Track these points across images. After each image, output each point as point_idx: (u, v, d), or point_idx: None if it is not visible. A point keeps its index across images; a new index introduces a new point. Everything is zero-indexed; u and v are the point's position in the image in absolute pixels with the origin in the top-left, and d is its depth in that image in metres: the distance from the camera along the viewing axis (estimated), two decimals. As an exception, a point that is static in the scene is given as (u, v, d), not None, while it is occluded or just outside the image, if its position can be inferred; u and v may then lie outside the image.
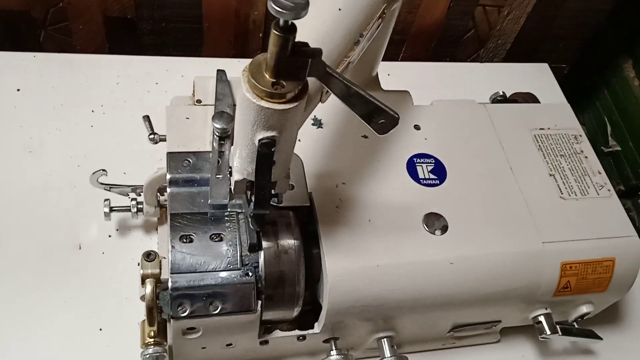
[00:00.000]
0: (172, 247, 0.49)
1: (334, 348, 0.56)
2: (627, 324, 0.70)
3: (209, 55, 0.91)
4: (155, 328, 0.50)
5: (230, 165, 0.45)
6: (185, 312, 0.48)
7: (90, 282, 0.62)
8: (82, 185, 0.66)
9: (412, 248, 0.53)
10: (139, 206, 0.62)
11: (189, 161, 0.54)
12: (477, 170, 0.60)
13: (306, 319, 0.54)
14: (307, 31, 0.39)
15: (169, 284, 0.48)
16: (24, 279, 0.61)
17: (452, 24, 0.97)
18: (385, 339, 0.56)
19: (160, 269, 0.49)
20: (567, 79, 1.08)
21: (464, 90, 0.85)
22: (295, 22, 0.35)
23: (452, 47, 1.02)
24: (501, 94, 0.73)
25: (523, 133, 0.65)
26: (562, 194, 0.60)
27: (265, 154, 0.40)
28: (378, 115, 0.41)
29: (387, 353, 0.56)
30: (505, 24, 0.99)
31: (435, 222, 0.55)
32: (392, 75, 0.80)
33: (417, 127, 0.62)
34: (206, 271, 0.48)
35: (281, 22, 0.35)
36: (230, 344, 0.53)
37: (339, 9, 0.45)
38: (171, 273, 0.48)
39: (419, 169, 0.59)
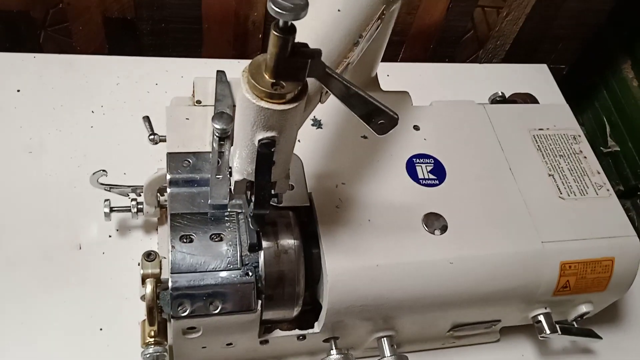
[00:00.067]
0: (172, 247, 0.49)
1: (333, 347, 0.56)
2: (627, 323, 0.71)
3: (209, 56, 0.91)
4: (155, 328, 0.50)
5: (230, 165, 0.45)
6: (185, 311, 0.48)
7: (90, 282, 0.62)
8: (82, 185, 0.66)
9: (411, 248, 0.53)
10: (139, 206, 0.62)
11: (189, 161, 0.54)
12: (476, 170, 0.60)
13: (306, 319, 0.55)
14: (307, 32, 0.40)
15: (169, 284, 0.48)
16: (24, 278, 0.61)
17: (451, 25, 0.98)
18: (385, 339, 0.56)
19: (161, 268, 0.49)
20: (566, 79, 1.08)
21: (463, 91, 0.85)
22: (295, 22, 0.35)
23: (451, 47, 1.02)
24: (500, 94, 0.73)
25: (522, 133, 0.65)
26: (561, 194, 0.60)
27: (265, 154, 0.40)
28: (377, 115, 0.41)
29: (387, 352, 0.56)
30: (504, 25, 0.99)
31: (434, 222, 0.55)
32: (392, 76, 0.80)
33: (416, 128, 0.62)
34: (206, 271, 0.49)
35: (281, 22, 0.35)
36: (231, 344, 0.53)
37: (338, 10, 0.45)
38: (171, 273, 0.48)
39: (418, 169, 0.59)
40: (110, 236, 0.66)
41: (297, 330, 0.54)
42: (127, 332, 0.58)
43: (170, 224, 0.50)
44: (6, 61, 0.78)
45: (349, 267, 0.51)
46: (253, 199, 0.44)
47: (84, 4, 0.83)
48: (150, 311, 0.48)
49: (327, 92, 0.43)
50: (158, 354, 0.50)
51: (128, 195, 0.64)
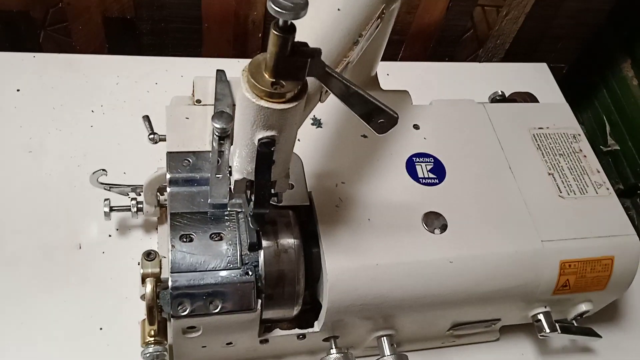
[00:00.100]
0: (172, 246, 0.49)
1: (333, 347, 0.56)
2: (626, 322, 0.71)
3: (209, 56, 0.91)
4: (155, 327, 0.50)
5: (230, 164, 0.45)
6: (185, 311, 0.48)
7: (90, 282, 0.62)
8: (82, 185, 0.66)
9: (411, 247, 0.53)
10: (139, 206, 0.63)
11: (189, 161, 0.54)
12: (476, 169, 0.60)
13: (306, 318, 0.55)
14: (307, 31, 0.40)
15: (169, 283, 0.48)
16: (24, 278, 0.61)
17: (451, 24, 0.98)
18: (385, 338, 0.56)
19: (161, 268, 0.49)
20: (566, 78, 1.08)
21: (463, 90, 0.85)
22: (295, 22, 0.35)
23: (451, 47, 1.02)
24: (500, 93, 0.73)
25: (522, 132, 0.65)
26: (561, 192, 0.60)
27: (265, 154, 0.40)
28: (377, 114, 0.41)
29: (387, 351, 0.56)
30: (504, 24, 0.99)
31: (434, 221, 0.55)
32: (391, 75, 0.80)
33: (416, 127, 0.62)
34: (206, 270, 0.49)
35: (280, 22, 0.35)
36: (231, 343, 0.53)
37: (338, 9, 0.45)
38: (171, 272, 0.48)
39: (418, 168, 0.59)
40: (110, 236, 0.66)
41: (297, 329, 0.54)
42: (127, 332, 0.58)
43: (170, 223, 0.50)
44: (6, 61, 0.78)
45: (349, 266, 0.51)
46: (253, 198, 0.44)
47: (84, 4, 0.83)
48: (150, 310, 0.48)
49: (326, 91, 0.43)
50: (158, 353, 0.50)
51: (128, 195, 0.64)
